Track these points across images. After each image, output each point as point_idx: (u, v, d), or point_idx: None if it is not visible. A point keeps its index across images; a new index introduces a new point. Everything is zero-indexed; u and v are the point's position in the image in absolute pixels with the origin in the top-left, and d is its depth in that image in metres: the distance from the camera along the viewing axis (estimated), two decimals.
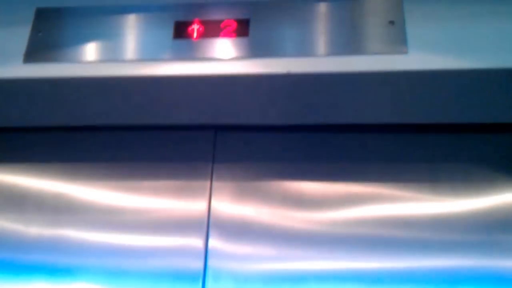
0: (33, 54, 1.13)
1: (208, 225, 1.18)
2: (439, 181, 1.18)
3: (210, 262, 1.15)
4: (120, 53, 1.12)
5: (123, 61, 1.11)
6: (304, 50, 1.07)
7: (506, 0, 1.06)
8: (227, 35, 1.10)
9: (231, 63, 1.09)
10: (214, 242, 1.16)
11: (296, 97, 1.12)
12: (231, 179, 1.22)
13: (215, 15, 1.12)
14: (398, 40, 1.05)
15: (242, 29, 1.10)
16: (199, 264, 1.14)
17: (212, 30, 1.11)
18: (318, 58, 1.07)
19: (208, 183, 1.22)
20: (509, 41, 1.03)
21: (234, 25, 1.10)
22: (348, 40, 1.07)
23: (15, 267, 1.18)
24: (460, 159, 1.20)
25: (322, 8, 1.10)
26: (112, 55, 1.12)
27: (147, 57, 1.11)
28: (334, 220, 1.17)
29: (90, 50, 1.13)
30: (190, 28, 1.11)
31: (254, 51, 1.08)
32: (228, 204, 1.20)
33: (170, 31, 1.12)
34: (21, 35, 1.15)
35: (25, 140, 1.31)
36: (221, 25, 1.11)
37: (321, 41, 1.07)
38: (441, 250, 1.12)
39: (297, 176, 1.21)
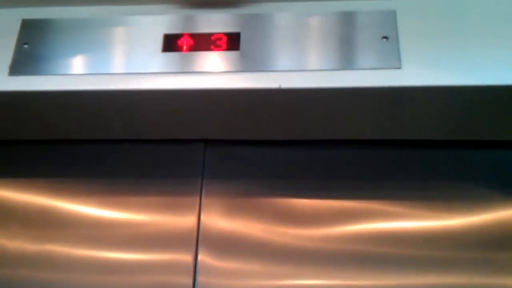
0: (18, 66, 1.11)
1: (197, 240, 1.16)
2: (433, 198, 1.16)
3: (200, 278, 1.13)
4: (107, 66, 1.09)
5: (111, 74, 1.09)
6: (296, 64, 1.05)
7: (500, 18, 1.05)
8: (218, 48, 1.08)
9: (221, 77, 1.07)
10: (204, 258, 1.15)
11: (287, 112, 1.11)
12: (221, 195, 1.20)
13: (205, 29, 1.10)
14: (392, 55, 1.04)
15: (233, 42, 1.08)
16: (189, 280, 1.13)
17: (202, 43, 1.09)
18: (310, 72, 1.05)
19: (198, 198, 1.20)
20: (504, 58, 1.01)
21: (225, 38, 1.08)
22: (342, 54, 1.05)
23: None
24: (455, 176, 1.19)
25: (315, 22, 1.08)
26: (99, 68, 1.09)
27: (135, 70, 1.08)
28: (325, 237, 1.16)
29: (77, 63, 1.10)
30: (179, 41, 1.09)
31: (245, 65, 1.07)
32: (218, 219, 1.18)
33: (159, 44, 1.09)
34: (7, 47, 1.12)
35: (11, 154, 1.28)
36: (211, 39, 1.09)
37: (313, 56, 1.06)
38: (435, 267, 1.10)
39: (288, 192, 1.20)
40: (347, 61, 1.05)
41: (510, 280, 1.09)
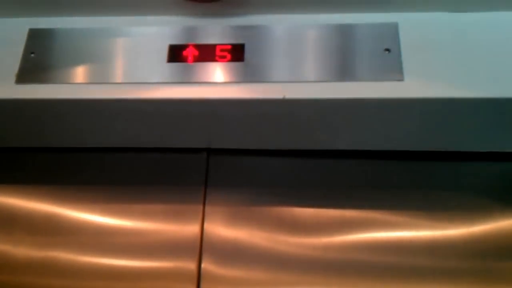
0: (25, 75, 1.11)
1: (201, 248, 1.17)
2: (434, 208, 1.17)
3: (203, 286, 1.14)
4: (113, 76, 1.10)
5: (116, 83, 1.09)
6: (300, 75, 1.06)
7: (504, 29, 1.06)
8: (222, 59, 1.09)
9: (226, 87, 1.07)
10: (207, 266, 1.16)
11: (290, 122, 1.11)
12: (224, 203, 1.21)
13: (210, 39, 1.10)
14: (394, 68, 1.04)
15: (237, 53, 1.08)
16: None
17: (207, 54, 1.09)
18: (313, 83, 1.05)
19: (201, 206, 1.21)
20: (505, 71, 1.02)
21: (229, 49, 1.09)
22: (345, 66, 1.06)
23: None
24: (455, 187, 1.20)
25: (318, 34, 1.09)
26: (105, 78, 1.10)
27: (140, 80, 1.09)
28: (327, 245, 1.16)
29: (83, 72, 1.11)
30: (184, 52, 1.10)
31: (249, 75, 1.07)
32: (221, 228, 1.19)
33: (164, 55, 1.10)
34: (14, 56, 1.13)
35: (16, 161, 1.29)
36: (216, 49, 1.09)
37: (316, 67, 1.06)
38: (435, 276, 1.12)
39: (291, 201, 1.20)
40: (350, 73, 1.05)
41: None
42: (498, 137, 1.12)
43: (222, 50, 1.09)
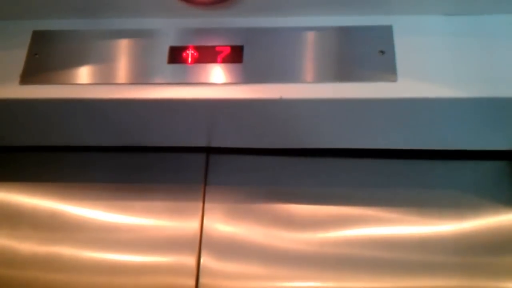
0: (29, 75, 1.14)
1: (200, 244, 1.20)
2: (426, 205, 1.21)
3: (202, 280, 1.17)
4: (115, 77, 1.13)
5: (118, 84, 1.12)
6: (296, 77, 1.09)
7: (494, 32, 1.09)
8: (222, 61, 1.11)
9: (225, 88, 1.10)
10: (206, 261, 1.19)
11: (287, 122, 1.14)
12: (223, 200, 1.24)
13: (209, 41, 1.13)
14: (388, 69, 1.07)
15: (236, 55, 1.11)
16: (191, 282, 1.17)
17: (206, 55, 1.12)
18: (310, 84, 1.08)
19: (201, 203, 1.24)
20: (496, 71, 1.05)
21: (228, 51, 1.12)
22: (340, 68, 1.09)
23: (8, 284, 1.20)
24: (446, 185, 1.23)
25: (315, 36, 1.12)
26: (107, 78, 1.13)
27: (141, 81, 1.12)
28: (322, 241, 1.20)
29: (86, 73, 1.14)
30: (184, 53, 1.12)
31: (248, 77, 1.10)
32: (220, 224, 1.22)
33: (164, 56, 1.13)
34: (18, 57, 1.15)
35: (21, 159, 1.32)
36: (216, 51, 1.12)
37: (313, 68, 1.09)
38: (426, 271, 1.15)
39: (287, 198, 1.24)
40: (345, 74, 1.08)
41: (497, 283, 1.13)
42: (488, 136, 1.14)
43: (221, 52, 1.12)
